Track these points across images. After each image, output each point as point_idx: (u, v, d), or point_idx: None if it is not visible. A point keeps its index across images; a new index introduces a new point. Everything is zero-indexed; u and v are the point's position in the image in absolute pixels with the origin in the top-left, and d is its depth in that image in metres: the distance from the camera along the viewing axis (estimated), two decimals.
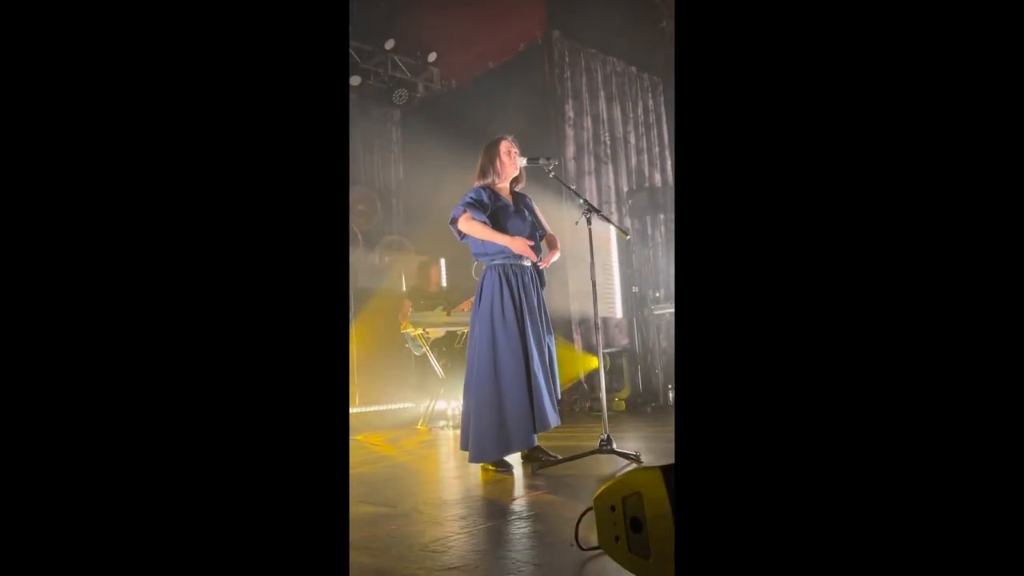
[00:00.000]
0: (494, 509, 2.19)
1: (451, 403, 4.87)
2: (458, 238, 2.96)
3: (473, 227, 2.86)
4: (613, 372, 5.49)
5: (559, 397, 2.94)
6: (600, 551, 1.44)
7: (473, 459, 2.82)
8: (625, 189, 6.20)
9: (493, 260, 2.93)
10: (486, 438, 2.76)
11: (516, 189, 3.10)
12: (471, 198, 2.91)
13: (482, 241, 2.92)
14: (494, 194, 2.97)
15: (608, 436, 2.73)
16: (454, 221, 2.90)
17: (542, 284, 3.05)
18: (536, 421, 2.76)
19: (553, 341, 3.00)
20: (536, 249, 2.98)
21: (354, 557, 1.66)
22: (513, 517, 2.07)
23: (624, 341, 5.79)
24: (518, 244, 2.84)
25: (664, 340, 5.49)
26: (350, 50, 6.46)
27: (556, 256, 3.09)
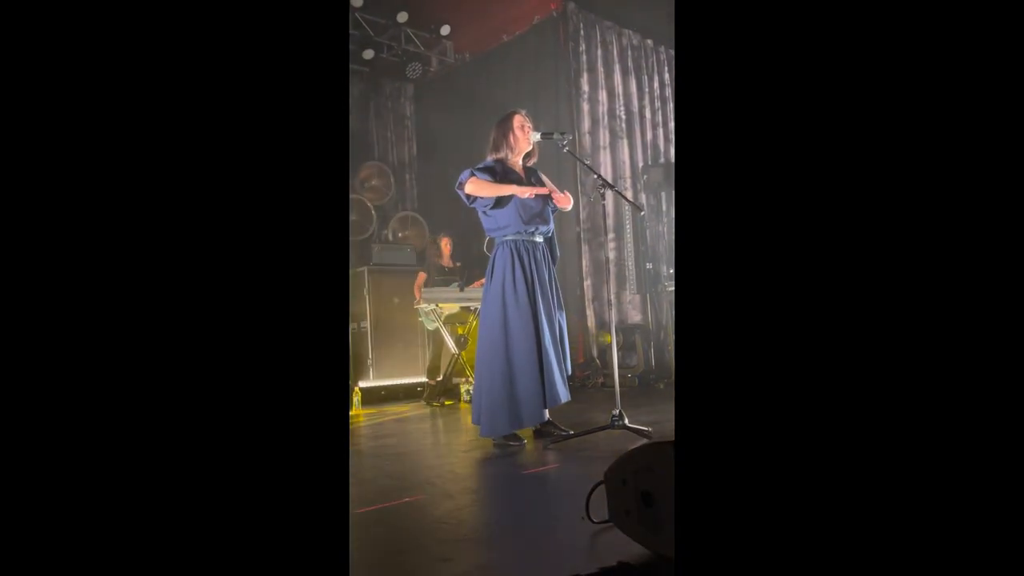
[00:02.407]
0: (506, 482, 2.21)
1: (464, 378, 4.90)
2: (466, 203, 2.94)
3: (480, 187, 2.85)
4: (626, 348, 5.49)
5: (569, 373, 2.95)
6: (611, 524, 1.45)
7: (484, 433, 2.84)
8: (640, 164, 6.14)
9: (505, 236, 2.92)
10: (497, 412, 2.78)
11: (529, 164, 3.09)
12: (480, 165, 2.90)
13: (494, 216, 2.91)
14: (506, 168, 2.96)
15: (620, 412, 2.74)
16: (461, 186, 2.89)
17: (554, 260, 3.04)
18: (547, 396, 2.78)
19: (564, 317, 3.00)
20: (546, 219, 2.97)
21: (367, 529, 1.69)
22: (525, 490, 2.09)
23: (637, 317, 5.78)
24: (527, 191, 2.84)
25: None
26: (363, 24, 6.41)
27: (568, 203, 3.01)
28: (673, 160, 6.28)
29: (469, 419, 3.21)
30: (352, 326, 5.78)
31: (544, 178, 3.10)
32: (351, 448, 3.14)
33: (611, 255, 2.91)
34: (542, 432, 2.94)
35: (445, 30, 6.76)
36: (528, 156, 3.06)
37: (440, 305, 4.87)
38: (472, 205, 2.94)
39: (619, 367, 2.99)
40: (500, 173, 2.90)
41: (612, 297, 2.95)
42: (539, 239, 2.96)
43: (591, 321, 5.64)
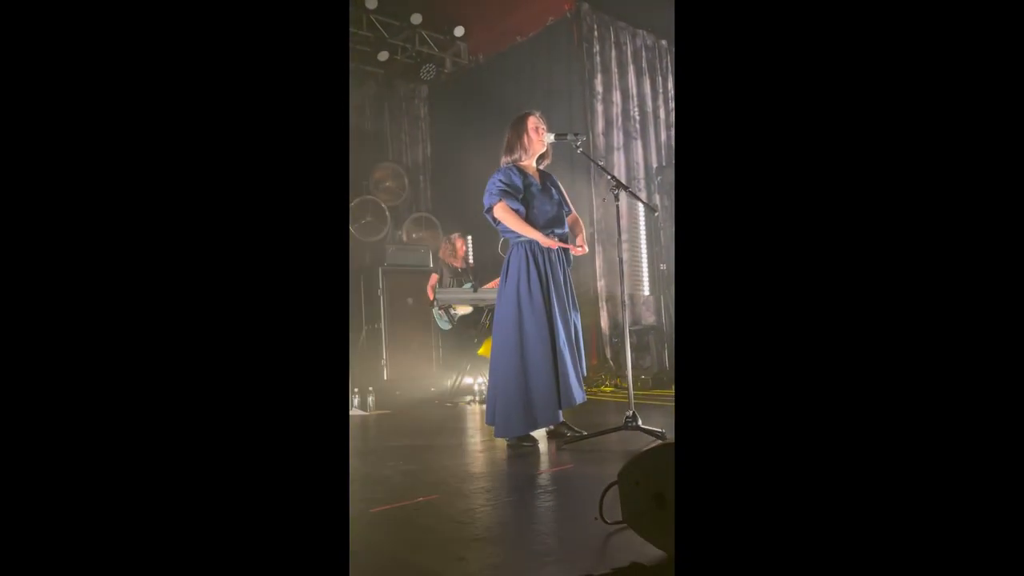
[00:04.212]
0: (519, 483, 2.22)
1: (477, 378, 4.91)
2: (492, 223, 2.98)
3: (508, 217, 2.88)
4: (640, 349, 5.48)
5: (584, 374, 2.95)
6: (624, 525, 1.45)
7: (499, 434, 2.85)
8: (654, 165, 6.13)
9: (519, 237, 2.93)
10: (512, 413, 2.79)
11: (542, 166, 3.09)
12: (503, 184, 2.91)
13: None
14: (522, 173, 2.97)
15: (634, 413, 2.74)
16: (489, 210, 2.92)
17: (568, 262, 3.05)
18: (561, 397, 2.78)
19: (579, 318, 3.01)
20: (562, 222, 2.99)
21: (382, 527, 1.70)
22: (538, 491, 2.09)
23: (651, 318, 5.77)
24: (549, 243, 2.88)
25: None
26: (377, 25, 6.44)
27: (583, 249, 3.06)
28: None
29: (483, 419, 3.22)
30: (366, 326, 5.81)
31: (559, 183, 3.11)
32: (366, 448, 3.16)
33: (625, 256, 2.90)
34: (556, 433, 2.95)
35: (459, 31, 6.77)
36: (542, 158, 3.06)
37: (454, 306, 4.88)
38: (497, 227, 2.97)
39: (632, 368, 2.98)
40: (521, 187, 2.92)
41: (626, 298, 2.95)
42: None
43: (604, 322, 5.63)
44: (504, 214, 2.88)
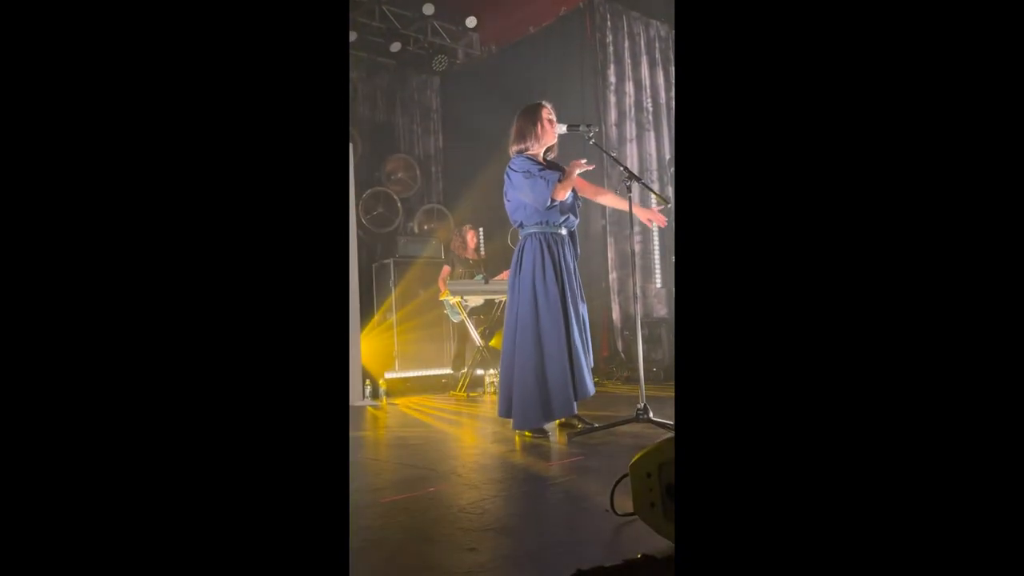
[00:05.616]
0: (530, 474, 2.22)
1: (488, 370, 4.91)
2: (540, 206, 2.86)
3: (565, 188, 2.82)
4: (651, 341, 5.46)
5: (592, 364, 2.94)
6: (635, 517, 1.45)
7: (517, 426, 2.83)
8: (667, 156, 6.09)
9: (531, 229, 2.92)
10: (530, 405, 2.78)
11: (550, 157, 3.07)
12: (541, 168, 2.84)
13: (522, 208, 2.90)
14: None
15: (645, 405, 2.73)
16: (549, 197, 2.80)
17: (577, 253, 3.03)
18: (577, 388, 2.77)
19: (586, 309, 2.99)
20: (577, 213, 2.98)
21: (393, 517, 1.71)
22: (549, 482, 2.09)
23: (663, 311, 5.75)
24: (582, 165, 2.84)
25: None
26: (390, 16, 6.43)
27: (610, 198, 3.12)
28: None
29: (494, 410, 3.22)
30: (377, 317, 5.83)
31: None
32: (376, 439, 3.18)
33: (637, 248, 2.89)
34: (567, 424, 2.94)
35: (471, 22, 6.75)
36: (548, 150, 3.03)
37: (465, 297, 4.89)
38: (551, 207, 2.85)
39: (644, 360, 2.97)
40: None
41: (638, 290, 2.94)
42: (564, 231, 2.95)
43: (616, 314, 5.61)
44: (564, 189, 2.80)
